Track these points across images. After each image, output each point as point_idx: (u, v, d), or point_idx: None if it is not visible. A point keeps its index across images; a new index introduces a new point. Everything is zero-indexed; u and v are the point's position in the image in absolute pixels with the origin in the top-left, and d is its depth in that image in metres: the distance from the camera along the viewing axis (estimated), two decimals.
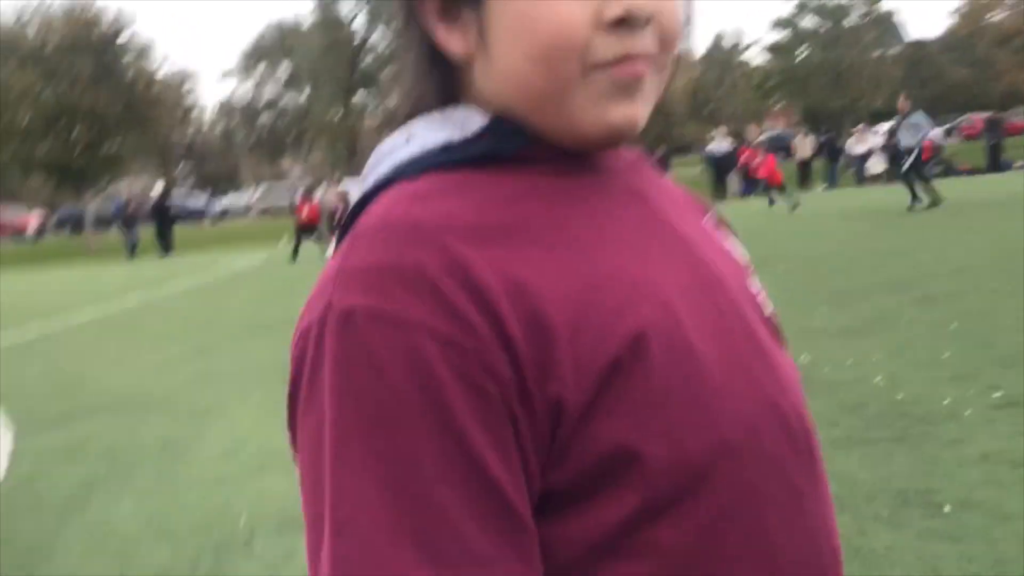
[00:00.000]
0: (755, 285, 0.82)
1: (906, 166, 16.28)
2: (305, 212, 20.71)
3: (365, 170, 0.75)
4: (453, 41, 0.70)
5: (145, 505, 4.64)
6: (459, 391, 0.60)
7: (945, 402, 4.90)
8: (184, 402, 6.87)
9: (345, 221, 0.71)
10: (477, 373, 0.61)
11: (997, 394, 4.93)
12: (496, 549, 0.61)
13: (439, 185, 0.68)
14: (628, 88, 0.68)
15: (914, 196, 16.12)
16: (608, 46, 0.66)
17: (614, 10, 0.65)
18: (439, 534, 0.60)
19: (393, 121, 0.77)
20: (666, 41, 0.69)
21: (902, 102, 16.96)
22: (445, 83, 0.73)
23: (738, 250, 0.85)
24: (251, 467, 5.07)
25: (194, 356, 8.92)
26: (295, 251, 20.01)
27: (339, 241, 0.69)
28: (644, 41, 0.67)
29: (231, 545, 4.01)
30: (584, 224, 0.70)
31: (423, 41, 0.72)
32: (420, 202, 0.66)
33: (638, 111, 0.69)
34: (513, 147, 0.70)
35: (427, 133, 0.72)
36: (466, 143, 0.70)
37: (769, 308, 0.81)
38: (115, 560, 3.96)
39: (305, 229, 20.59)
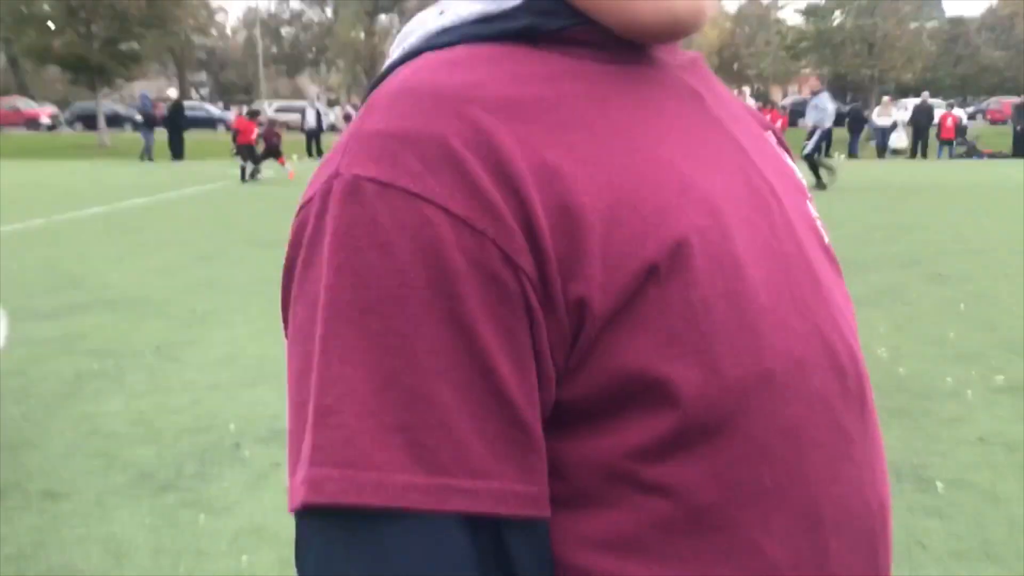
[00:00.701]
0: (814, 210, 0.74)
1: (808, 148, 16.38)
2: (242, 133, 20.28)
3: (393, 45, 0.68)
4: None
5: (134, 404, 4.63)
6: (472, 279, 0.53)
7: (947, 380, 4.86)
8: (182, 307, 6.84)
9: (366, 94, 0.64)
10: (494, 261, 0.54)
11: (1000, 377, 4.90)
12: (497, 463, 0.54)
13: (471, 54, 0.61)
14: None
15: (818, 179, 16.18)
16: None
17: None
18: (433, 435, 0.53)
19: None
20: None
21: (813, 81, 16.90)
22: None
23: (798, 173, 0.77)
24: (244, 377, 5.05)
25: (196, 262, 8.88)
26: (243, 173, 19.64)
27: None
28: None
29: (218, 451, 4.00)
30: (631, 112, 0.62)
31: None
32: (446, 69, 0.59)
33: (704, 1, 0.63)
34: (557, 23, 0.63)
35: (462, 4, 0.65)
36: (505, 15, 0.63)
37: (827, 236, 0.74)
38: (99, 456, 3.96)
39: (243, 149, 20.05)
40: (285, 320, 0.60)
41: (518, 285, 0.54)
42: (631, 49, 0.65)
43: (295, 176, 19.22)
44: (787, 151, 0.80)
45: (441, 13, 0.65)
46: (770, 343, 0.59)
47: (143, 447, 4.05)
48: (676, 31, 0.63)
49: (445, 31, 0.64)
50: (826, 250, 0.71)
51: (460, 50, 0.61)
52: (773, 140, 0.77)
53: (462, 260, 0.53)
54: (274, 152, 20.49)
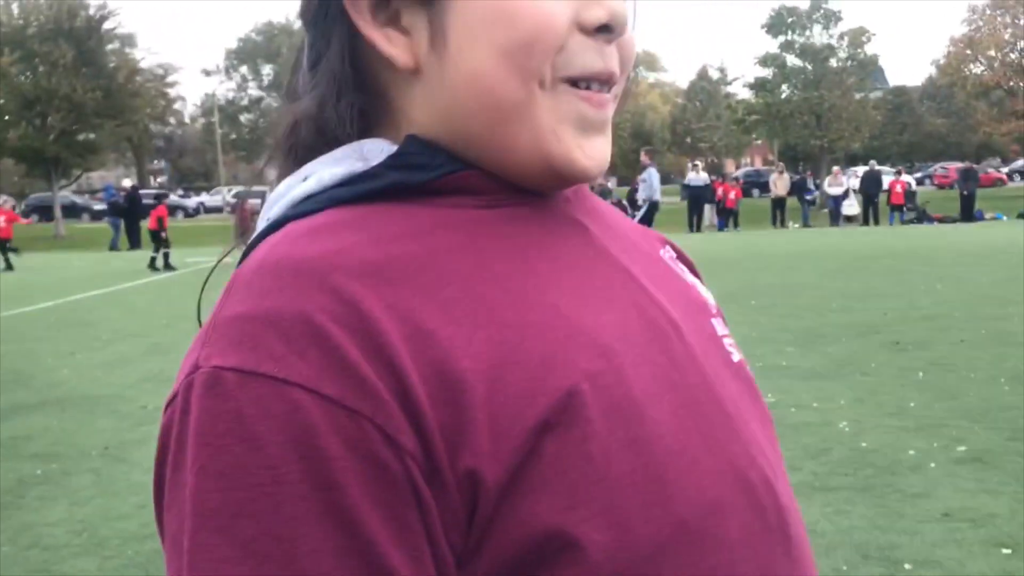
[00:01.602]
0: (721, 328, 0.70)
1: (637, 218, 17.00)
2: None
3: (260, 214, 0.64)
4: (397, 49, 0.59)
5: (78, 511, 4.45)
6: (352, 466, 0.49)
7: (909, 453, 4.83)
8: (133, 403, 6.67)
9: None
10: (375, 444, 0.49)
11: (961, 448, 4.88)
12: None
13: (334, 220, 0.57)
14: (593, 121, 0.60)
15: None
16: (587, 53, 0.59)
17: (597, 14, 0.59)
18: None
19: (288, 154, 0.65)
20: (625, 62, 0.62)
21: (643, 157, 17.88)
22: (365, 106, 0.62)
23: (700, 289, 0.73)
24: None
25: (149, 355, 8.71)
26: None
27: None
28: (614, 58, 0.61)
29: (162, 560, 3.83)
30: (512, 259, 0.58)
31: (343, 55, 0.61)
32: (307, 238, 0.56)
33: (604, 149, 0.61)
34: (426, 176, 0.59)
35: (326, 168, 0.61)
36: (369, 175, 0.60)
37: (738, 355, 0.69)
38: (39, 568, 3.78)
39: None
40: (160, 527, 0.55)
41: (402, 467, 0.50)
42: (511, 190, 0.62)
43: None
44: (688, 264, 0.77)
45: (305, 179, 0.62)
46: (681, 490, 0.55)
47: (85, 559, 3.87)
48: (578, 177, 0.61)
49: (309, 197, 0.61)
50: (737, 371, 0.67)
51: (324, 216, 0.58)
52: (669, 256, 0.74)
53: (339, 446, 0.49)
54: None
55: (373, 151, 0.61)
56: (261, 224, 0.63)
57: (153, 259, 19.13)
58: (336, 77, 0.61)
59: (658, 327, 0.61)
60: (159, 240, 19.47)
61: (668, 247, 0.76)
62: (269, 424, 0.48)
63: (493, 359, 0.53)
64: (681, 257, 0.77)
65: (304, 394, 0.49)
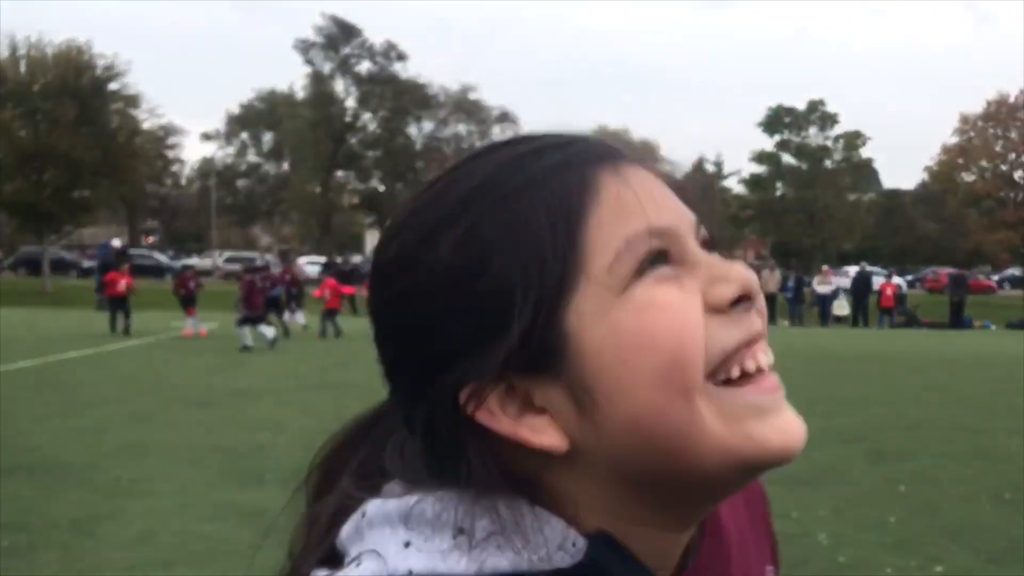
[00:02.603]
0: None
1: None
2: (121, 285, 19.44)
3: (342, 536, 0.57)
4: (547, 436, 0.54)
5: None
6: None
7: (887, 571, 4.77)
8: (106, 474, 6.57)
9: None
10: None
11: (939, 568, 4.83)
12: None
13: None
14: (768, 407, 0.56)
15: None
16: (729, 331, 0.55)
17: (728, 290, 0.55)
18: None
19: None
20: (764, 321, 0.58)
21: None
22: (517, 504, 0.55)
23: None
24: (164, 557, 4.79)
25: (126, 423, 8.61)
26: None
27: None
28: (758, 322, 0.57)
29: None
30: None
31: (484, 470, 0.54)
32: None
33: (795, 419, 0.57)
34: None
35: (484, 551, 0.53)
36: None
37: None
38: None
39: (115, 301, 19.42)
40: None
41: None
42: None
43: (207, 334, 18.74)
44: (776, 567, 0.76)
45: (407, 545, 0.53)
46: None
47: None
48: (771, 462, 0.56)
49: None
50: None
51: None
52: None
53: None
54: (188, 301, 19.39)
55: (551, 536, 0.54)
56: (349, 548, 0.56)
57: (116, 323, 18.93)
58: (489, 488, 0.54)
59: None
60: (123, 305, 19.22)
61: (772, 565, 0.73)
62: None
63: None
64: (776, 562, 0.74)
65: None
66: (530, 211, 0.54)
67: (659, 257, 0.55)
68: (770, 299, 28.82)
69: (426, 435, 0.56)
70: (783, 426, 0.56)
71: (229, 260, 43.97)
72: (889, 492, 6.45)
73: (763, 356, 0.56)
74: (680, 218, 0.57)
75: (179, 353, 15.07)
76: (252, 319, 16.29)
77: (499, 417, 0.54)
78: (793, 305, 28.67)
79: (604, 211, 0.55)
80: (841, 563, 4.90)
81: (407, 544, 0.53)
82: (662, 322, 0.53)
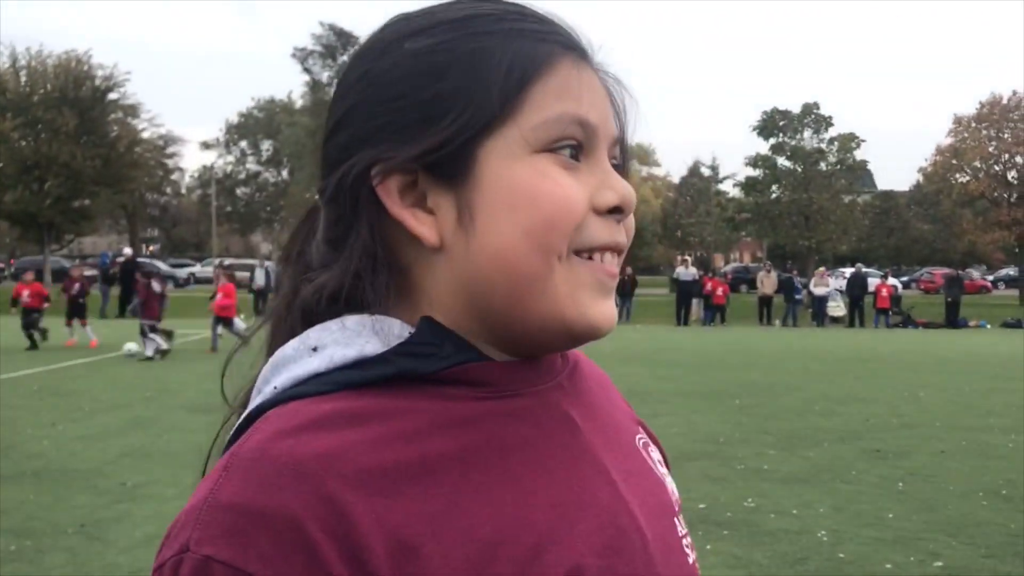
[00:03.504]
0: (681, 527, 0.75)
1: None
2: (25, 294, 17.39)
3: (259, 378, 0.67)
4: (425, 227, 0.64)
5: None
6: None
7: (886, 567, 4.83)
8: (112, 478, 6.62)
9: (230, 439, 0.63)
10: None
11: (938, 563, 4.88)
12: None
13: (337, 411, 0.60)
14: (604, 286, 0.67)
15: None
16: (599, 230, 0.65)
17: (610, 198, 0.66)
18: None
19: (289, 313, 0.69)
20: (629, 233, 0.69)
21: None
22: (389, 284, 0.66)
23: (668, 483, 0.78)
24: None
25: (130, 428, 8.66)
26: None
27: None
28: (623, 233, 0.68)
29: None
30: (494, 465, 0.63)
31: (373, 235, 0.65)
32: (308, 434, 0.58)
33: (614, 309, 0.68)
34: (433, 367, 0.63)
35: (338, 346, 0.64)
36: (378, 359, 0.63)
37: (692, 555, 0.75)
38: None
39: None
40: None
41: None
42: (510, 380, 0.67)
43: (97, 345, 17.32)
44: (658, 446, 0.82)
45: (313, 350, 0.65)
46: None
47: None
48: (589, 335, 0.66)
49: (316, 377, 0.63)
50: (691, 571, 0.72)
51: (328, 404, 0.61)
52: (643, 443, 0.78)
53: None
54: (76, 310, 17.83)
55: (389, 332, 0.64)
56: (267, 389, 0.65)
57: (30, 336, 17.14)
58: (370, 254, 0.65)
59: (625, 535, 0.65)
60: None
61: (642, 430, 0.81)
62: None
63: (470, 570, 0.57)
64: (654, 441, 0.82)
65: None
66: (496, 52, 0.64)
67: (574, 148, 0.65)
68: (767, 300, 28.98)
69: (331, 201, 0.67)
70: (606, 310, 0.66)
71: (229, 268, 43.86)
72: (887, 489, 6.51)
73: (613, 266, 0.68)
74: (605, 124, 0.68)
75: (180, 360, 15.11)
76: (148, 328, 15.70)
77: (394, 198, 0.64)
78: (791, 307, 28.71)
79: (552, 83, 0.65)
80: (841, 559, 4.96)
81: (313, 349, 0.65)
82: (552, 191, 0.63)
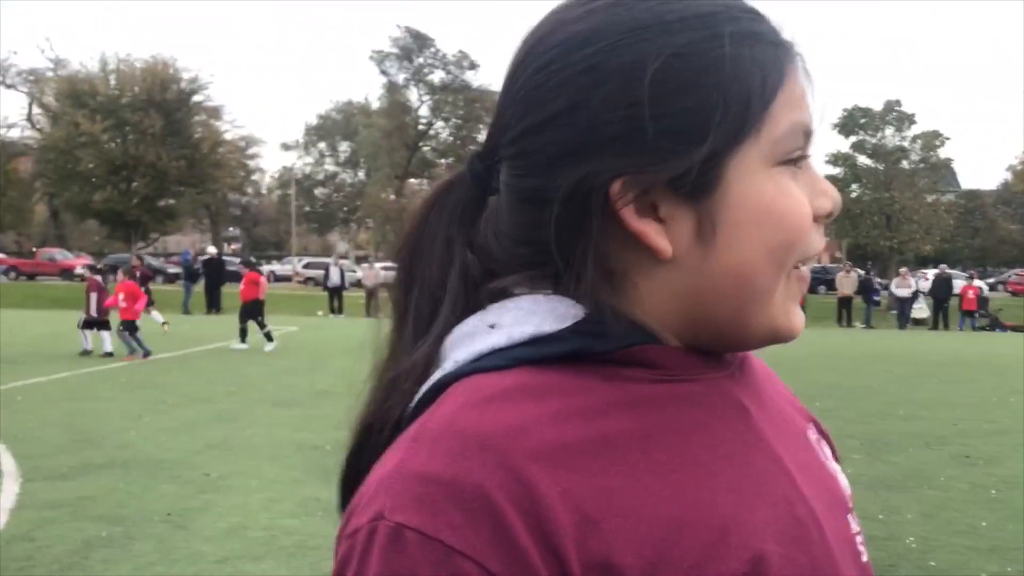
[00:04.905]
0: (855, 524, 0.73)
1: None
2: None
3: (442, 349, 0.66)
4: (662, 241, 0.62)
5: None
6: None
7: (981, 575, 4.67)
8: (196, 469, 6.78)
9: (412, 410, 0.64)
10: None
11: None
12: None
13: (518, 386, 0.61)
14: (803, 294, 0.67)
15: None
16: (817, 240, 0.66)
17: (826, 205, 0.66)
18: None
19: (468, 287, 0.68)
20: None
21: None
22: (604, 281, 0.64)
23: (841, 479, 0.76)
24: (254, 550, 4.93)
25: (214, 421, 8.86)
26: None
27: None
28: (823, 239, 0.68)
29: None
30: (672, 445, 0.62)
31: (599, 247, 0.62)
32: (495, 407, 0.59)
33: (803, 315, 0.69)
34: (608, 346, 0.63)
35: (516, 324, 0.64)
36: (556, 337, 0.63)
37: (866, 554, 0.72)
38: None
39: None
40: None
41: None
42: (687, 367, 0.66)
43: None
44: (828, 442, 0.80)
45: (491, 327, 0.65)
46: None
47: None
48: (783, 340, 0.67)
49: (496, 352, 0.63)
50: (863, 571, 0.70)
51: (510, 379, 0.61)
52: (815, 438, 0.76)
53: None
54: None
55: (565, 313, 0.64)
56: (449, 365, 0.64)
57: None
58: (601, 267, 0.63)
59: (804, 526, 0.64)
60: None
61: (813, 426, 0.79)
62: None
63: (652, 556, 0.56)
64: (823, 435, 0.79)
65: (472, 566, 0.54)
66: (744, 61, 0.62)
67: (800, 158, 0.64)
68: (846, 301, 28.34)
69: (545, 203, 0.63)
70: (802, 316, 0.67)
71: (307, 266, 44.77)
72: (979, 496, 6.30)
73: (808, 272, 0.68)
74: (814, 125, 0.67)
75: (261, 355, 15.42)
76: (98, 323, 15.17)
77: (631, 211, 0.62)
78: (870, 308, 28.03)
79: (788, 93, 0.63)
80: (933, 567, 4.81)
81: (492, 326, 0.65)
82: (795, 209, 0.63)
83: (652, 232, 0.62)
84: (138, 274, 17.01)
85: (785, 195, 0.63)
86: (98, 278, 16.04)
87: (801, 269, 0.66)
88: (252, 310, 16.56)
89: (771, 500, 0.63)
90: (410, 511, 0.55)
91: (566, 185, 0.62)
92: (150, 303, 16.87)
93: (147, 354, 14.43)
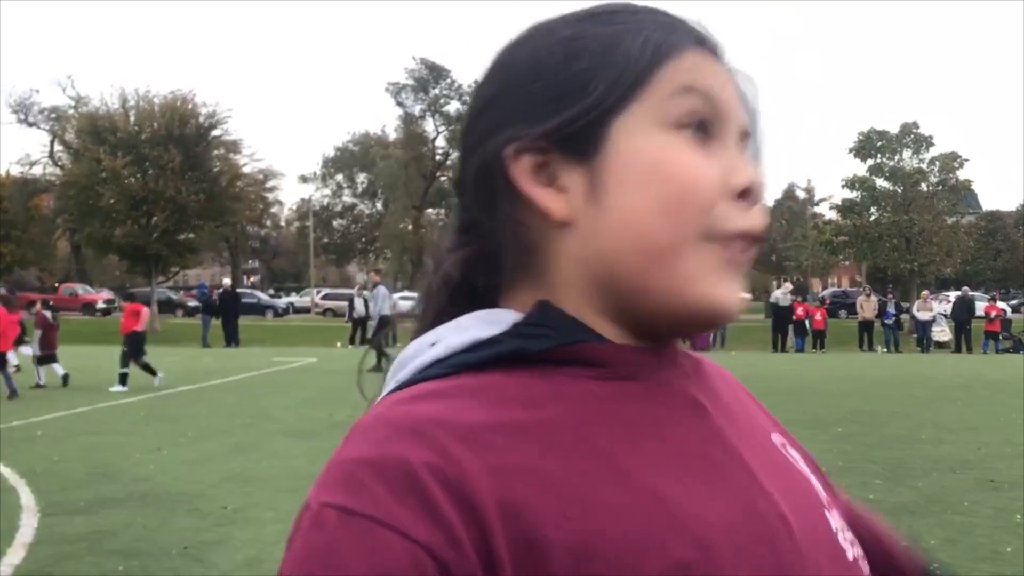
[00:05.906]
0: (836, 521, 0.69)
1: (372, 334, 18.28)
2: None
3: (387, 376, 0.69)
4: (556, 203, 0.65)
5: None
6: None
7: None
8: (214, 502, 6.77)
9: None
10: None
11: None
12: None
13: (456, 385, 0.62)
14: (733, 265, 0.65)
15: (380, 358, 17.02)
16: (733, 216, 0.64)
17: (742, 179, 0.65)
18: None
19: (428, 319, 0.71)
20: (763, 228, 0.68)
21: (373, 275, 20.05)
22: (516, 265, 0.67)
23: (813, 480, 0.73)
24: None
25: (232, 454, 8.87)
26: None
27: None
28: (758, 218, 0.66)
29: None
30: (616, 434, 0.61)
31: (510, 220, 0.66)
32: (427, 399, 0.61)
33: (740, 293, 0.66)
34: (545, 344, 0.63)
35: (454, 335, 0.66)
36: (493, 340, 0.64)
37: (852, 551, 0.68)
38: None
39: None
40: None
41: None
42: (632, 364, 0.65)
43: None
44: (800, 450, 0.77)
45: (433, 344, 0.66)
46: None
47: None
48: (714, 319, 0.65)
49: (437, 362, 0.65)
50: (851, 568, 0.67)
51: (448, 382, 0.62)
52: (780, 443, 0.74)
53: None
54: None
55: (501, 321, 0.65)
56: (390, 385, 0.67)
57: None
58: (504, 236, 0.66)
59: (767, 523, 0.61)
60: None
61: (779, 433, 0.77)
62: (357, 558, 0.53)
63: (584, 537, 0.55)
64: (793, 444, 0.77)
65: (395, 535, 0.53)
66: (629, 37, 0.65)
67: (701, 126, 0.65)
68: (867, 325, 28.09)
69: (463, 186, 0.69)
70: (731, 293, 0.64)
71: (326, 297, 44.95)
72: (1004, 522, 6.19)
73: (748, 259, 0.66)
74: (734, 108, 0.67)
75: (279, 387, 15.45)
76: (48, 358, 15.29)
77: (527, 177, 0.65)
78: (891, 332, 27.77)
79: (683, 65, 0.65)
80: None
81: (432, 344, 0.67)
82: (684, 166, 0.63)
83: (544, 195, 0.65)
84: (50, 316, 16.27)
85: (675, 155, 0.63)
86: (46, 313, 16.10)
87: (731, 249, 0.64)
88: (135, 344, 15.16)
89: (728, 494, 0.62)
90: (333, 491, 0.56)
91: (472, 165, 0.67)
92: (21, 339, 16.47)
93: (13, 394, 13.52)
